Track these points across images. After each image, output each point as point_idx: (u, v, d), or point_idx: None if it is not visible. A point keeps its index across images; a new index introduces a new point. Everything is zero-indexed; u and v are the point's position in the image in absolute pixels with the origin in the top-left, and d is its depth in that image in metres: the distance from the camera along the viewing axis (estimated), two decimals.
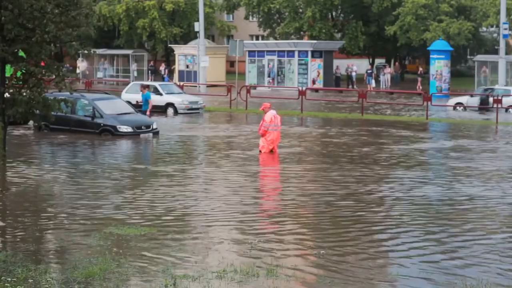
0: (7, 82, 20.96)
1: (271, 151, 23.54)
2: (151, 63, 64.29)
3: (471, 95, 41.10)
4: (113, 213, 15.24)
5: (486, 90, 41.32)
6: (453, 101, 40.93)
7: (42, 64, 20.98)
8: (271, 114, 23.81)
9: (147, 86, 34.65)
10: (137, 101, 33.05)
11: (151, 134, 27.74)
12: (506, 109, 37.52)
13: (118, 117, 27.84)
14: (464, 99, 40.36)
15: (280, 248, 12.73)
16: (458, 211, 15.77)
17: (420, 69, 59.26)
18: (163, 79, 56.91)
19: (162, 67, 62.24)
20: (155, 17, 65.48)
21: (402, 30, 57.94)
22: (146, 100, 31.18)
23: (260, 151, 23.55)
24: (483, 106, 39.12)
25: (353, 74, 56.91)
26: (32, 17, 19.88)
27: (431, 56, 52.95)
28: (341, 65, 57.77)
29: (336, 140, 27.94)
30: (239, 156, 23.46)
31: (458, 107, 39.96)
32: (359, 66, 62.18)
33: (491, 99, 38.44)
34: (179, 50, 60.48)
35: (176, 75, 58.93)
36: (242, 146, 25.67)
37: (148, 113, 30.88)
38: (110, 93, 32.37)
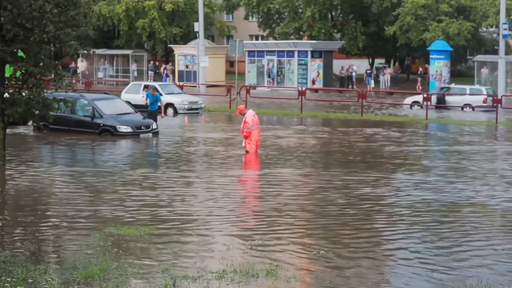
0: (6, 82, 20.96)
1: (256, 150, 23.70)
2: (157, 63, 64.14)
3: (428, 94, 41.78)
4: (112, 213, 15.23)
5: (442, 89, 42.18)
6: (410, 99, 41.63)
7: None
8: (251, 114, 23.78)
9: (146, 86, 34.54)
10: (146, 103, 32.43)
11: (150, 134, 27.73)
12: (462, 108, 38.16)
13: (118, 117, 27.82)
14: (420, 98, 40.91)
15: (279, 248, 12.73)
16: (459, 212, 15.77)
17: (420, 69, 59.26)
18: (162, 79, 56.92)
19: (161, 68, 62.20)
20: (155, 17, 65.45)
21: (401, 30, 57.93)
22: (156, 100, 30.50)
23: (247, 151, 23.54)
24: (439, 105, 39.80)
25: (353, 74, 56.92)
26: (31, 17, 19.86)
27: (430, 56, 52.95)
28: (341, 65, 57.76)
29: (336, 141, 27.91)
30: (237, 158, 23.45)
31: (414, 106, 40.45)
32: (359, 66, 62.16)
33: (447, 98, 39.75)
34: (179, 50, 60.48)
35: (176, 75, 58.89)
36: (240, 147, 25.61)
37: (162, 114, 30.94)
38: (110, 93, 32.34)
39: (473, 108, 38.51)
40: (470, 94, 39.82)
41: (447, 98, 40.27)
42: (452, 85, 43.17)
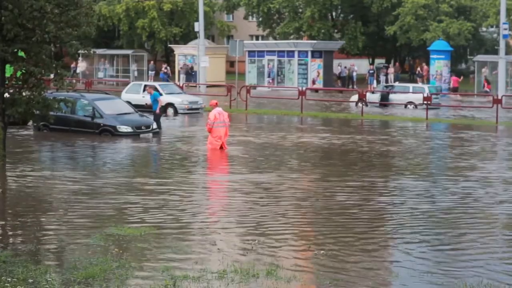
0: (7, 82, 20.96)
1: (221, 147, 24.04)
2: (164, 65, 64.07)
3: (372, 92, 43.22)
4: (113, 213, 15.24)
5: (386, 87, 43.34)
6: (355, 97, 42.02)
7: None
8: (215, 111, 24.34)
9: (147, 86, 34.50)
10: (146, 103, 32.42)
11: (151, 134, 27.74)
12: (405, 105, 38.75)
13: (118, 117, 27.82)
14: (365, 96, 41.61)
15: (280, 248, 12.74)
16: (459, 213, 15.78)
17: (419, 69, 59.29)
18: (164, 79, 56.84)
19: (163, 68, 62.14)
20: (154, 17, 65.45)
21: (402, 30, 57.92)
22: (155, 99, 30.57)
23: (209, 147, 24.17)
24: (383, 102, 40.81)
25: (354, 74, 56.90)
26: (32, 17, 19.86)
27: (431, 56, 52.94)
28: (342, 65, 57.72)
29: (336, 141, 27.91)
30: (236, 158, 23.46)
31: (360, 103, 41.03)
32: (359, 66, 62.16)
33: (391, 96, 41.13)
34: (179, 50, 60.47)
35: (176, 75, 58.87)
36: (240, 148, 25.64)
37: (158, 111, 30.72)
38: (110, 93, 32.34)
39: (415, 106, 39.24)
40: (413, 93, 40.56)
41: (391, 96, 41.16)
42: (396, 83, 44.94)
